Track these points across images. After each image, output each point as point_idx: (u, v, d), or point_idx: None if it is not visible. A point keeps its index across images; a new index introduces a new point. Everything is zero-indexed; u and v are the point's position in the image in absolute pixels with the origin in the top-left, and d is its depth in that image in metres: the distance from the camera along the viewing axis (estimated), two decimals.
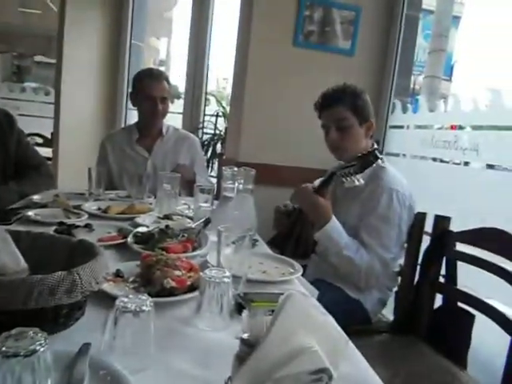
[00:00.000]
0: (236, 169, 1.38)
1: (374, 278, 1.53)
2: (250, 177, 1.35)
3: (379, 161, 1.35)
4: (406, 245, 1.63)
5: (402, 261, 1.65)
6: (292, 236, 1.67)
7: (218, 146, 3.27)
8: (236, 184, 1.31)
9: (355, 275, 1.53)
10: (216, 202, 1.49)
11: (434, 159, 2.25)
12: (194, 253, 1.18)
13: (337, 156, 1.68)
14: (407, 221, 1.58)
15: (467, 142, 2.00)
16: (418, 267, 1.59)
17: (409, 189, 1.60)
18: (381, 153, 1.37)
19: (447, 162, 2.17)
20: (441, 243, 1.51)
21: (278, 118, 2.46)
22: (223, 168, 1.37)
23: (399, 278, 1.67)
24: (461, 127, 2.14)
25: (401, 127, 2.56)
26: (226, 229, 0.96)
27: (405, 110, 2.56)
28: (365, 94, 1.64)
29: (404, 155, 2.50)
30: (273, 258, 1.27)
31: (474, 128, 2.06)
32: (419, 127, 2.42)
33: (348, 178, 1.36)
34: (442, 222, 1.53)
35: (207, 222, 1.37)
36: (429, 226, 1.58)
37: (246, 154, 2.44)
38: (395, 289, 1.68)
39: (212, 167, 3.24)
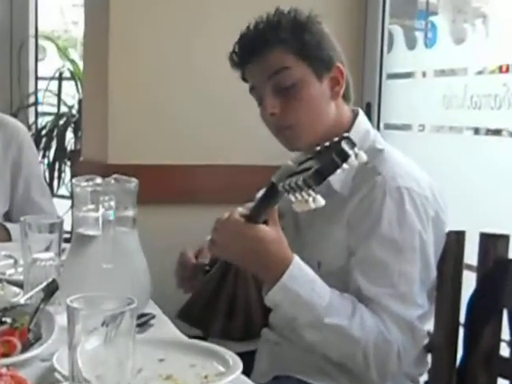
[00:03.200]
0: (99, 181, 1.38)
1: (395, 358, 1.53)
2: (128, 194, 1.36)
3: (361, 154, 1.33)
4: (434, 292, 1.66)
5: (430, 324, 1.68)
6: (220, 299, 1.70)
7: (69, 136, 3.27)
8: (101, 210, 1.29)
9: (358, 360, 1.53)
10: (67, 248, 1.49)
11: (476, 130, 2.31)
12: (27, 354, 1.15)
13: (287, 143, 1.71)
14: (435, 245, 1.62)
15: None
16: (461, 331, 1.64)
17: (431, 186, 1.64)
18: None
19: (499, 134, 2.23)
20: (496, 284, 1.56)
21: (181, 73, 2.47)
22: (73, 182, 1.37)
23: (429, 357, 1.70)
24: None
25: (407, 76, 2.59)
26: (85, 301, 0.94)
27: (412, 43, 2.59)
28: (316, 20, 1.69)
29: (421, 127, 2.53)
30: (185, 347, 1.27)
31: None
32: (442, 73, 2.46)
33: (297, 195, 1.32)
34: (494, 245, 1.59)
35: (52, 291, 1.34)
36: (470, 256, 1.64)
37: (120, 149, 2.43)
38: (424, 378, 1.71)
39: (60, 179, 3.21)
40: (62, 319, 1.15)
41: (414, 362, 1.66)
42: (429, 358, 1.70)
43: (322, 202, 1.30)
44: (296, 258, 1.52)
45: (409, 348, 1.55)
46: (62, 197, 3.14)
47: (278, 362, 1.68)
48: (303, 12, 1.67)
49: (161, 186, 2.19)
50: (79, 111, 3.14)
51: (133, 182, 1.36)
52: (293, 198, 1.33)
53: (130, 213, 1.35)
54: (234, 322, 1.70)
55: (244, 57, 1.70)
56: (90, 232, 1.32)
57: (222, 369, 1.17)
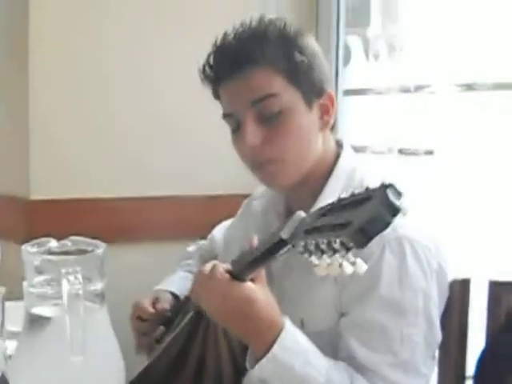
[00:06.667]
0: (54, 244, 1.23)
1: None
2: (95, 262, 1.21)
3: (405, 206, 1.19)
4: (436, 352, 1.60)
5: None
6: (186, 363, 1.59)
7: None
8: (66, 285, 1.13)
9: None
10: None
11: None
12: None
13: (267, 179, 1.61)
14: (439, 301, 1.55)
15: None
16: None
17: (432, 235, 1.57)
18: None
19: None
20: (510, 341, 1.54)
21: (124, 88, 2.43)
22: (23, 248, 1.21)
23: None
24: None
25: (364, 92, 2.63)
26: None
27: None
28: (306, 35, 1.60)
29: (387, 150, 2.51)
30: None
31: None
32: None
33: (325, 258, 1.17)
34: (506, 294, 1.57)
35: None
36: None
37: (46, 182, 2.34)
38: None
39: None
40: None
41: None
42: None
43: (364, 266, 1.15)
44: (288, 323, 1.40)
45: None
46: None
47: None
48: (291, 23, 1.56)
49: (99, 222, 2.05)
50: None
51: (100, 247, 1.21)
52: (316, 261, 1.16)
53: (98, 286, 1.19)
54: None
55: (222, 72, 1.57)
56: (51, 313, 1.16)
57: None
